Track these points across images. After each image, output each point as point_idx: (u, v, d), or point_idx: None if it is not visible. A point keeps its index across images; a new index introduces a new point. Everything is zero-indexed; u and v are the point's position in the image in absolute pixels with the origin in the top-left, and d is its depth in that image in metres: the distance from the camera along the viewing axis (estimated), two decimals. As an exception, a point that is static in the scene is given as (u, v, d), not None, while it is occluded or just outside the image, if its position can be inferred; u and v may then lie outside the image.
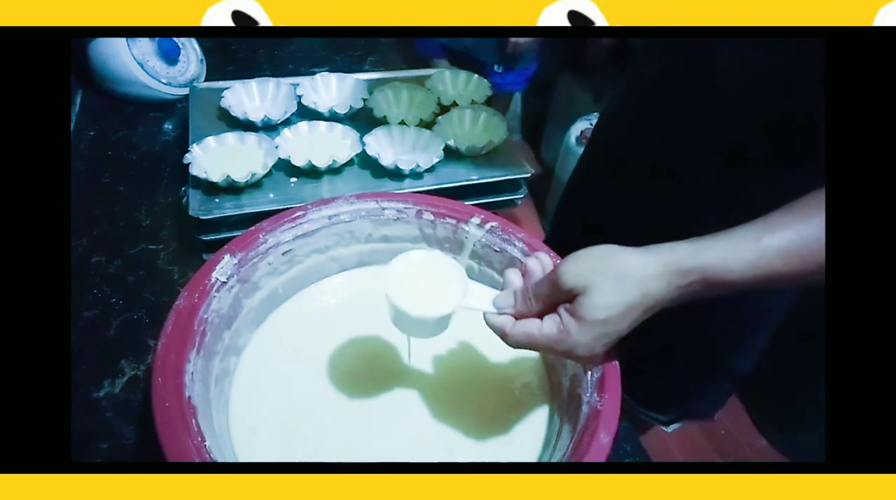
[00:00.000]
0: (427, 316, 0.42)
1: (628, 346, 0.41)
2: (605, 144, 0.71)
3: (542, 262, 0.42)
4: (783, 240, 0.36)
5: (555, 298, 0.38)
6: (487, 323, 0.41)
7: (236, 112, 0.73)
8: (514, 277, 0.42)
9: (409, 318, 0.42)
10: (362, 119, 0.78)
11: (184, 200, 0.65)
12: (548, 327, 0.38)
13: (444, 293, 0.43)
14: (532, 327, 0.39)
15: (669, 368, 0.63)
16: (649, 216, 0.58)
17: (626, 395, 0.43)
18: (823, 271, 0.36)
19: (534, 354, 0.54)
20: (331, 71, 0.84)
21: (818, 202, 0.37)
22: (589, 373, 0.45)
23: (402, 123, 0.76)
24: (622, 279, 0.36)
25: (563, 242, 0.49)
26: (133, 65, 0.84)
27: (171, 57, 0.87)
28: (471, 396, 0.51)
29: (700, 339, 0.65)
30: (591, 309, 0.36)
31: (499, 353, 0.54)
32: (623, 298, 0.36)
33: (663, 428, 0.80)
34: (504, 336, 0.40)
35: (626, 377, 0.43)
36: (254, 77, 0.81)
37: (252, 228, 0.52)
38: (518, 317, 0.40)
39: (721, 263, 0.36)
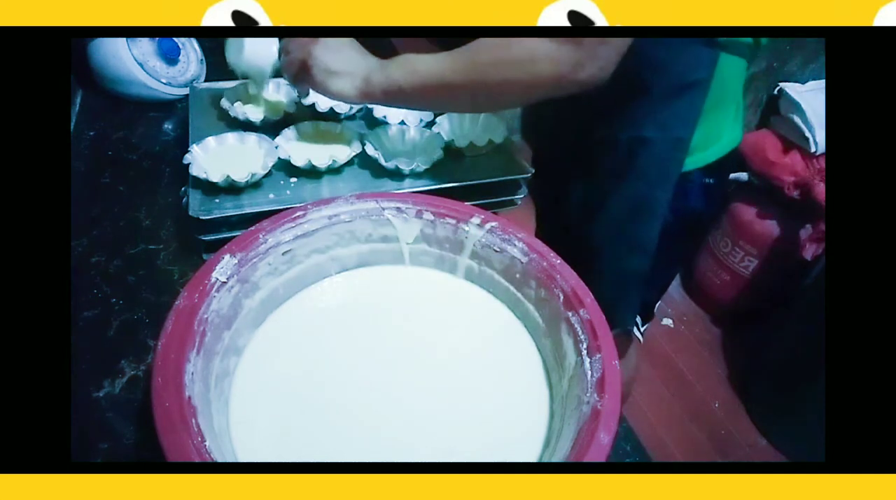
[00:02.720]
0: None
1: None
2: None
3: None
4: (427, 63, 0.57)
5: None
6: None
7: (236, 112, 0.73)
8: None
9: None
10: (362, 119, 0.78)
11: (184, 200, 0.65)
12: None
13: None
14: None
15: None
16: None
17: None
18: (452, 88, 0.56)
19: (534, 354, 0.54)
20: (331, 71, 0.84)
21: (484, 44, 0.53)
22: (589, 373, 0.45)
23: (402, 123, 0.76)
24: (348, 52, 0.62)
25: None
26: (133, 65, 0.84)
27: (171, 57, 0.87)
28: (471, 396, 0.51)
29: (582, 238, 0.76)
30: (327, 53, 0.62)
31: (499, 353, 0.54)
32: (342, 49, 0.62)
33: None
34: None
35: None
36: (254, 77, 0.81)
37: (252, 228, 0.52)
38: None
39: (403, 71, 0.58)
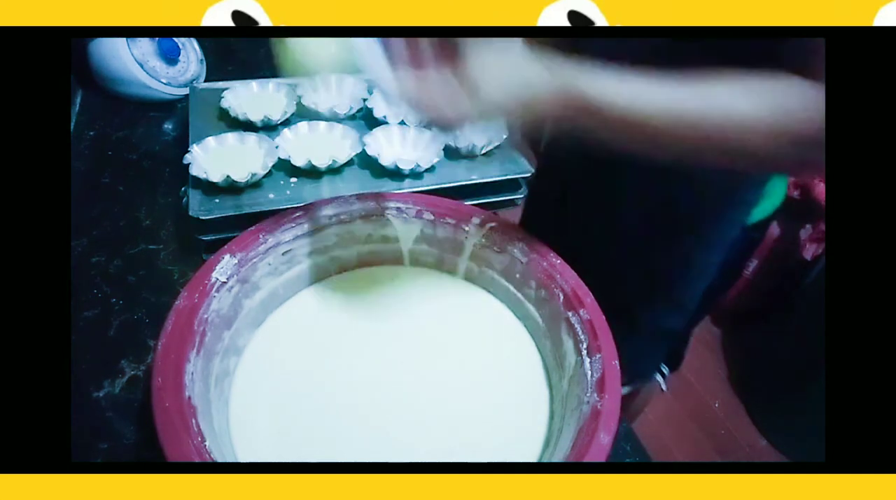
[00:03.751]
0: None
1: None
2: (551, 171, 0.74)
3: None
4: (663, 95, 0.40)
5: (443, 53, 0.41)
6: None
7: (236, 112, 0.73)
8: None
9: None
10: (362, 119, 0.78)
11: (184, 200, 0.65)
12: (432, 76, 0.40)
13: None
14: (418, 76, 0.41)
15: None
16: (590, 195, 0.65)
17: None
18: (677, 137, 0.40)
19: (534, 354, 0.54)
20: (331, 71, 0.84)
21: (712, 83, 0.40)
22: (589, 373, 0.45)
23: (402, 123, 0.76)
24: (509, 59, 0.40)
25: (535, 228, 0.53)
26: (133, 65, 0.84)
27: (171, 57, 0.87)
28: (471, 396, 0.51)
29: (621, 292, 0.66)
30: (475, 68, 0.39)
31: (499, 353, 0.54)
32: (505, 60, 0.40)
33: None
34: (387, 87, 0.41)
35: None
36: (254, 77, 0.81)
37: (252, 228, 0.52)
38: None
39: (601, 90, 0.40)
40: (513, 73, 0.40)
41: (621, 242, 0.66)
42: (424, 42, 0.41)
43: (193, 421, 0.38)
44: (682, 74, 0.40)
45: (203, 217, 0.61)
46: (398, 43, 0.42)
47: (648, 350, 0.78)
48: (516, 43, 0.41)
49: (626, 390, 0.81)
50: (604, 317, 0.48)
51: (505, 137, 0.76)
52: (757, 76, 0.39)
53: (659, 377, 0.87)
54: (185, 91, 0.86)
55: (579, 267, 0.44)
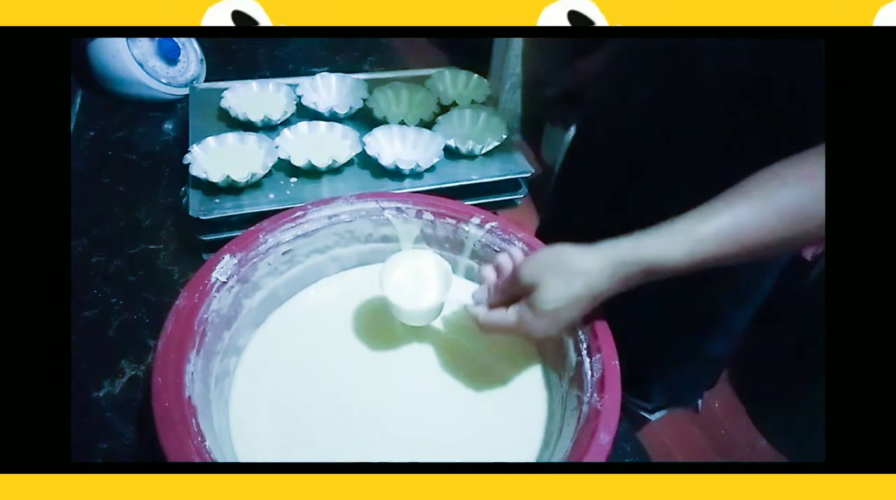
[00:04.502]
0: (415, 309, 0.51)
1: (614, 331, 0.47)
2: (589, 141, 0.72)
3: (513, 257, 0.47)
4: (716, 227, 0.40)
5: (516, 292, 0.45)
6: (467, 311, 0.48)
7: (236, 112, 0.73)
8: (488, 273, 0.49)
9: (402, 310, 0.51)
10: (362, 119, 0.78)
11: (184, 200, 0.65)
12: (511, 315, 0.45)
13: (431, 288, 0.52)
14: (499, 316, 0.45)
15: (648, 349, 0.63)
16: (632, 210, 0.57)
17: None
18: (760, 250, 0.40)
19: (534, 354, 0.54)
20: (331, 71, 0.84)
21: (749, 188, 0.40)
22: (589, 373, 0.45)
23: (402, 122, 0.76)
24: (568, 275, 0.42)
25: (554, 236, 0.50)
26: (133, 65, 0.84)
27: (171, 57, 0.87)
28: (471, 396, 0.51)
29: (674, 320, 0.67)
30: (543, 302, 0.42)
31: (499, 353, 0.54)
32: (569, 291, 0.42)
33: (648, 416, 0.80)
34: (478, 323, 0.47)
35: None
36: (254, 77, 0.81)
37: (252, 228, 0.52)
38: (490, 307, 0.47)
39: (658, 254, 0.41)
40: (580, 291, 0.42)
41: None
42: (505, 284, 0.46)
43: (193, 421, 0.38)
44: (699, 210, 0.41)
45: (203, 217, 0.61)
46: (482, 289, 0.48)
47: (699, 377, 0.78)
48: (574, 251, 0.43)
49: (661, 414, 0.80)
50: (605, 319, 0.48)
51: (505, 136, 0.76)
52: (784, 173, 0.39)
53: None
54: (185, 91, 0.86)
55: (628, 295, 0.43)
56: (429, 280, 0.52)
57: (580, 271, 0.42)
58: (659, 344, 0.48)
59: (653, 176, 0.60)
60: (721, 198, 0.41)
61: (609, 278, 0.42)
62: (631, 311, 0.45)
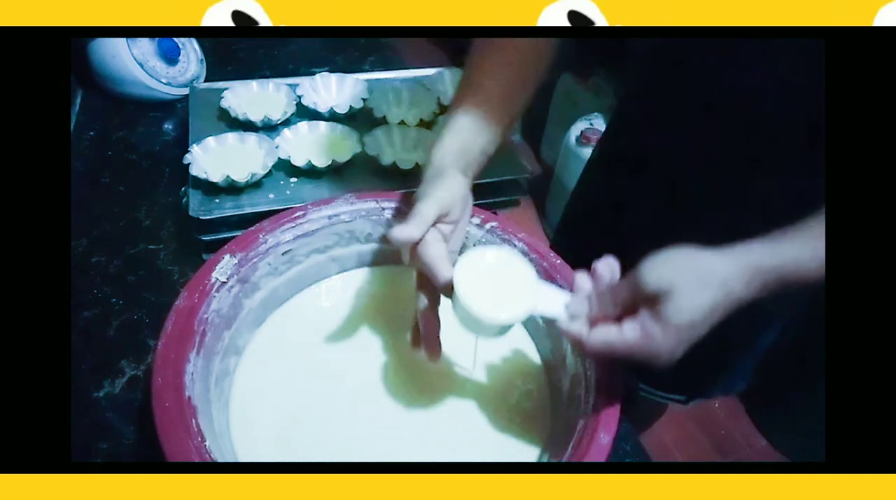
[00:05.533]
0: (499, 321, 0.40)
1: None
2: (614, 152, 0.70)
3: (611, 266, 0.40)
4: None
5: (635, 301, 0.37)
6: (562, 330, 0.39)
7: (236, 112, 0.73)
8: (584, 281, 0.40)
9: (478, 320, 0.40)
10: (362, 119, 0.78)
11: (184, 200, 0.65)
12: (629, 332, 0.36)
13: (516, 297, 0.41)
14: (611, 333, 0.37)
15: (701, 348, 0.62)
16: (659, 223, 0.56)
17: (643, 382, 0.41)
18: None
19: (533, 355, 0.54)
20: (331, 71, 0.84)
21: None
22: (589, 373, 0.45)
23: (402, 123, 0.76)
24: (706, 280, 0.35)
25: (570, 248, 0.49)
26: (133, 65, 0.84)
27: (171, 57, 0.87)
28: (471, 395, 0.51)
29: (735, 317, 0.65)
30: (677, 312, 0.35)
31: (499, 353, 0.54)
32: (708, 299, 0.35)
33: (682, 406, 0.79)
34: (580, 344, 0.38)
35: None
36: (254, 77, 0.81)
37: (252, 228, 0.52)
38: (592, 322, 0.39)
39: (796, 261, 0.36)
40: (720, 300, 0.36)
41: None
42: (615, 292, 0.38)
43: (193, 421, 0.38)
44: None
45: (203, 217, 0.61)
46: (580, 300, 0.39)
47: (741, 367, 0.76)
48: (703, 257, 0.37)
49: (699, 401, 0.79)
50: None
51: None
52: None
53: None
54: (185, 91, 0.86)
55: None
56: (512, 289, 0.42)
57: (719, 275, 0.36)
58: (712, 341, 0.45)
59: (690, 189, 0.57)
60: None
61: (746, 285, 0.36)
62: None
